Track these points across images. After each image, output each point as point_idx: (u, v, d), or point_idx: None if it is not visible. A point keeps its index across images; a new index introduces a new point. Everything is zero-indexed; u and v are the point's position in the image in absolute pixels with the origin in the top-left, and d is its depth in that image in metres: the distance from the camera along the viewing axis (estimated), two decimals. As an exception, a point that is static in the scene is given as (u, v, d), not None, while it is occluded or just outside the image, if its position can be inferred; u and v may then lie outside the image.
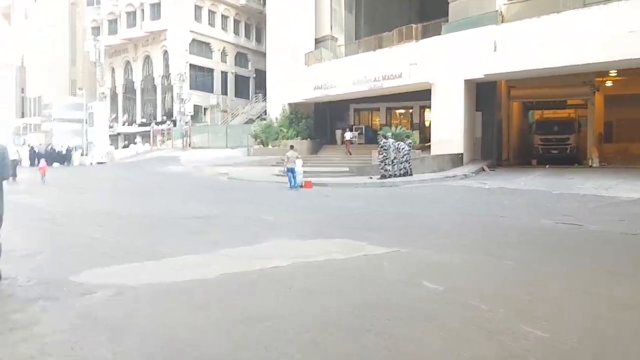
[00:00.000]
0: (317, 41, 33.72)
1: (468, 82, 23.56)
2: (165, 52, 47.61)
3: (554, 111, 35.34)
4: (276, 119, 34.04)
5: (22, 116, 58.68)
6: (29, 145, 41.52)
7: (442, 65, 23.65)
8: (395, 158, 19.49)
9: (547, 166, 24.46)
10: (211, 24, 49.25)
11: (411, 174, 20.29)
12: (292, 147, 19.14)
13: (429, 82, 23.98)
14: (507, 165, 26.65)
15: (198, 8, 47.76)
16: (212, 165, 30.16)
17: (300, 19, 32.77)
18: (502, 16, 22.99)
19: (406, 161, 20.07)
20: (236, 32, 51.75)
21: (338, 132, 33.71)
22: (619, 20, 18.95)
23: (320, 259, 6.51)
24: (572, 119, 31.46)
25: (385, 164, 19.36)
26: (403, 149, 19.97)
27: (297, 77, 31.49)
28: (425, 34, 26.13)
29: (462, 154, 23.28)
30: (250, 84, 53.08)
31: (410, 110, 33.49)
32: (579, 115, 32.71)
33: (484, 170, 22.45)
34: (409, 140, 21.94)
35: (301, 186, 18.28)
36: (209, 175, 25.74)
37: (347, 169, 22.50)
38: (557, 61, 20.27)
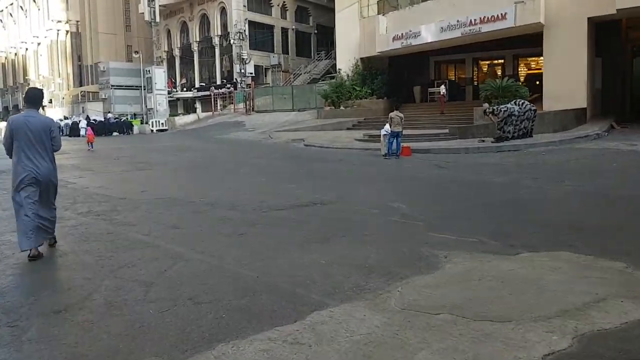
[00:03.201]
0: (392, -15, 29.75)
1: (591, 22, 19.32)
2: (223, 9, 44.43)
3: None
4: (347, 76, 30.53)
5: (80, 84, 57.44)
6: (87, 116, 40.16)
7: (558, 2, 19.44)
8: (517, 116, 15.81)
9: None
10: (269, -25, 45.61)
11: (531, 135, 16.61)
12: (397, 107, 15.60)
13: (541, 23, 19.84)
14: (630, 120, 22.30)
15: (255, -41, 44.14)
16: (281, 130, 27.29)
17: (372, -39, 28.77)
18: None
19: (527, 119, 16.30)
20: (296, -17, 47.91)
21: (417, 89, 29.92)
22: None
23: (604, 321, 3.33)
24: None
25: (504, 124, 15.72)
26: (524, 104, 16.25)
27: (370, 27, 27.71)
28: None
29: (585, 109, 19.28)
30: (311, 40, 49.37)
31: (501, 61, 29.25)
32: None
33: (613, 127, 18.49)
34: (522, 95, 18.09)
35: (399, 154, 15.15)
36: (282, 142, 22.81)
37: (447, 131, 19.01)
38: None
